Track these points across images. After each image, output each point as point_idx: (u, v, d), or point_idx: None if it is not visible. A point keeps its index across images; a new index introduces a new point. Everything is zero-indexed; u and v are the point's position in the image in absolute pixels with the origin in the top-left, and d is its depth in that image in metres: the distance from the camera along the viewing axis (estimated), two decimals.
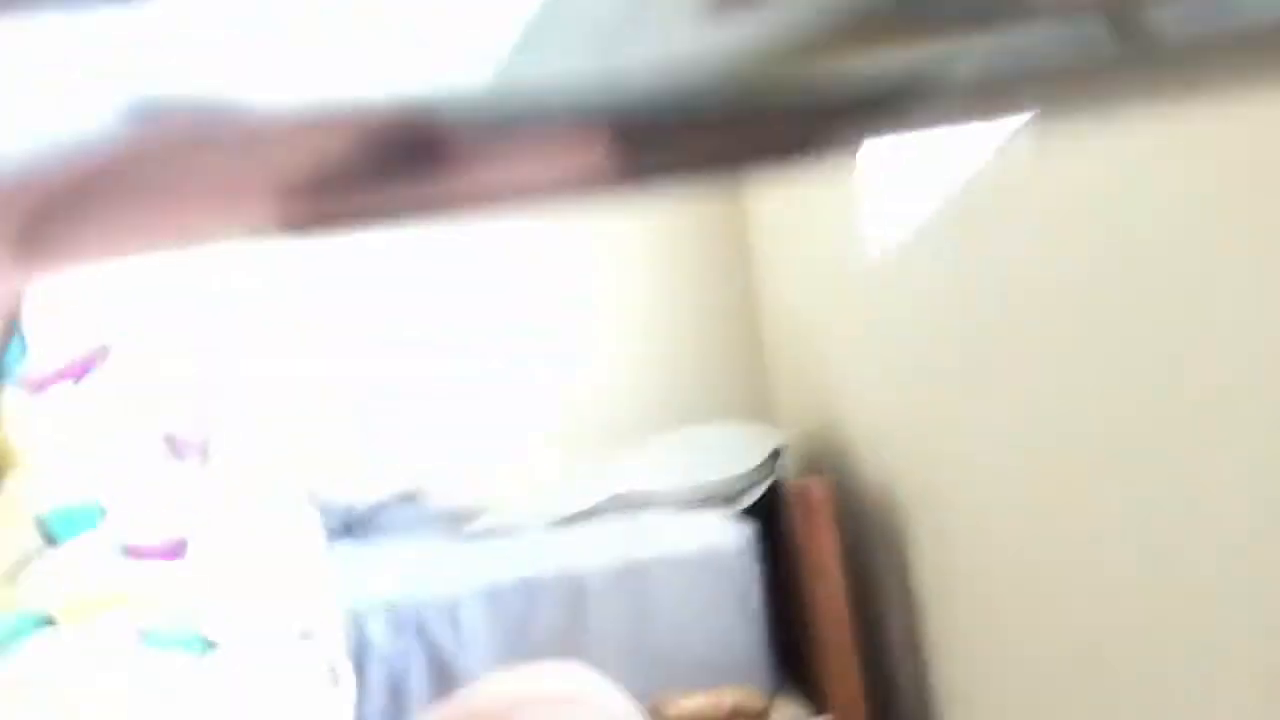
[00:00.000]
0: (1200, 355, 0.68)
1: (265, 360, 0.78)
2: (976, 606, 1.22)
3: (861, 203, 1.46)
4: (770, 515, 1.79)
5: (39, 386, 0.65)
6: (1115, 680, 0.87)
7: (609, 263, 2.73)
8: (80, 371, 0.67)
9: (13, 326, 0.66)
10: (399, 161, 0.14)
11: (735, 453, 1.84)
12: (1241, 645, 0.68)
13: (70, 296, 0.67)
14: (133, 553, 0.66)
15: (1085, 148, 0.79)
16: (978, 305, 1.07)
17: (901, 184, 1.38)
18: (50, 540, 0.63)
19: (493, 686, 0.77)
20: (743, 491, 1.79)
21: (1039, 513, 0.99)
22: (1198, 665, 0.74)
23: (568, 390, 2.71)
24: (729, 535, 1.66)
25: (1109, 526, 0.85)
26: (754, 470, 1.79)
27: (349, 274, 2.71)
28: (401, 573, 1.70)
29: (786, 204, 2.09)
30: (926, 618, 1.44)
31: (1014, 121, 0.13)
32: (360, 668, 1.61)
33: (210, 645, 0.76)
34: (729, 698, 1.54)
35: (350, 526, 2.44)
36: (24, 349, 0.67)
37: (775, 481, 1.80)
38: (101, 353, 0.67)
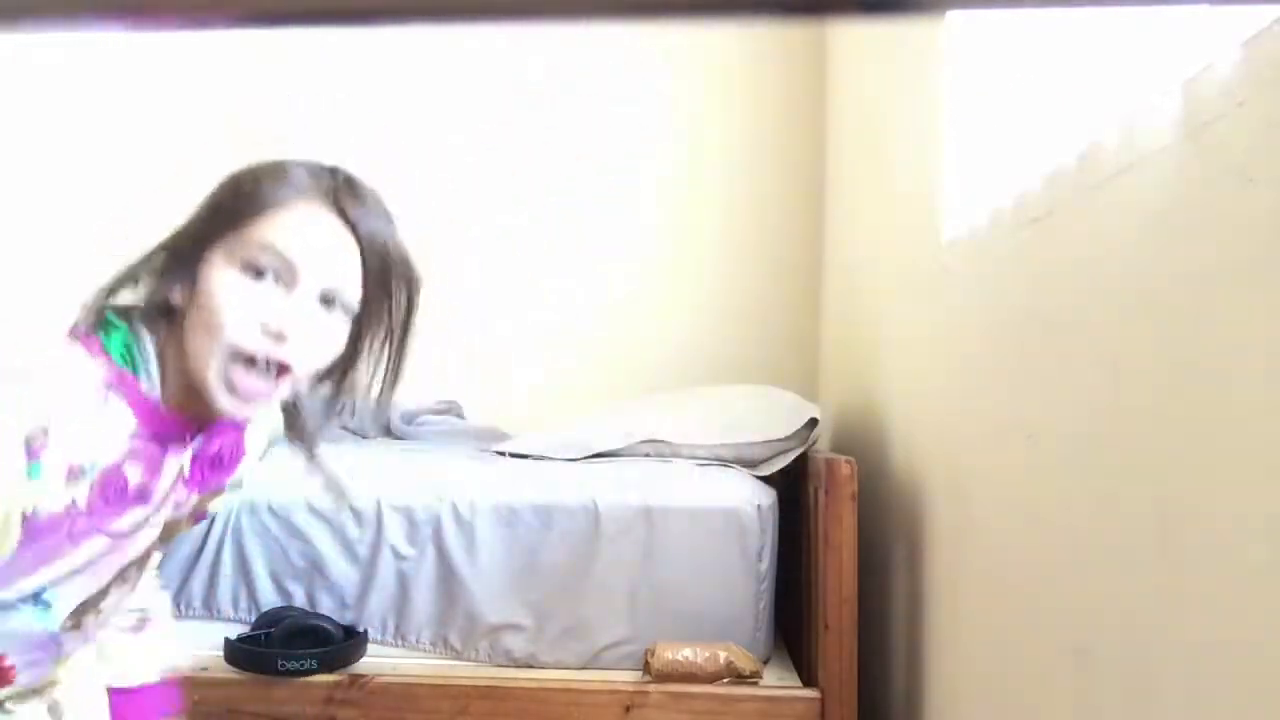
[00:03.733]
0: (1246, 377, 0.67)
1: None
2: (980, 605, 1.22)
3: (939, 187, 1.44)
4: (793, 485, 1.79)
5: None
6: (1111, 683, 0.87)
7: (688, 225, 2.73)
8: None
9: None
10: None
11: (771, 418, 1.85)
12: (1245, 647, 0.68)
13: None
14: None
15: (1169, 160, 0.77)
16: (1038, 307, 1.06)
17: (981, 172, 1.36)
18: None
19: None
20: (771, 457, 1.79)
21: (1058, 521, 0.98)
22: (1198, 667, 0.74)
23: (625, 332, 2.73)
24: (749, 496, 1.67)
25: (1129, 540, 0.84)
26: (785, 439, 1.80)
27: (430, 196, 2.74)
28: (428, 479, 1.75)
29: (864, 181, 2.07)
30: (929, 610, 1.44)
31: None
32: (374, 560, 1.67)
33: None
34: (723, 653, 1.56)
35: (390, 429, 2.50)
36: None
37: (804, 453, 1.80)
38: None
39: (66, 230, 2.58)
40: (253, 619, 1.65)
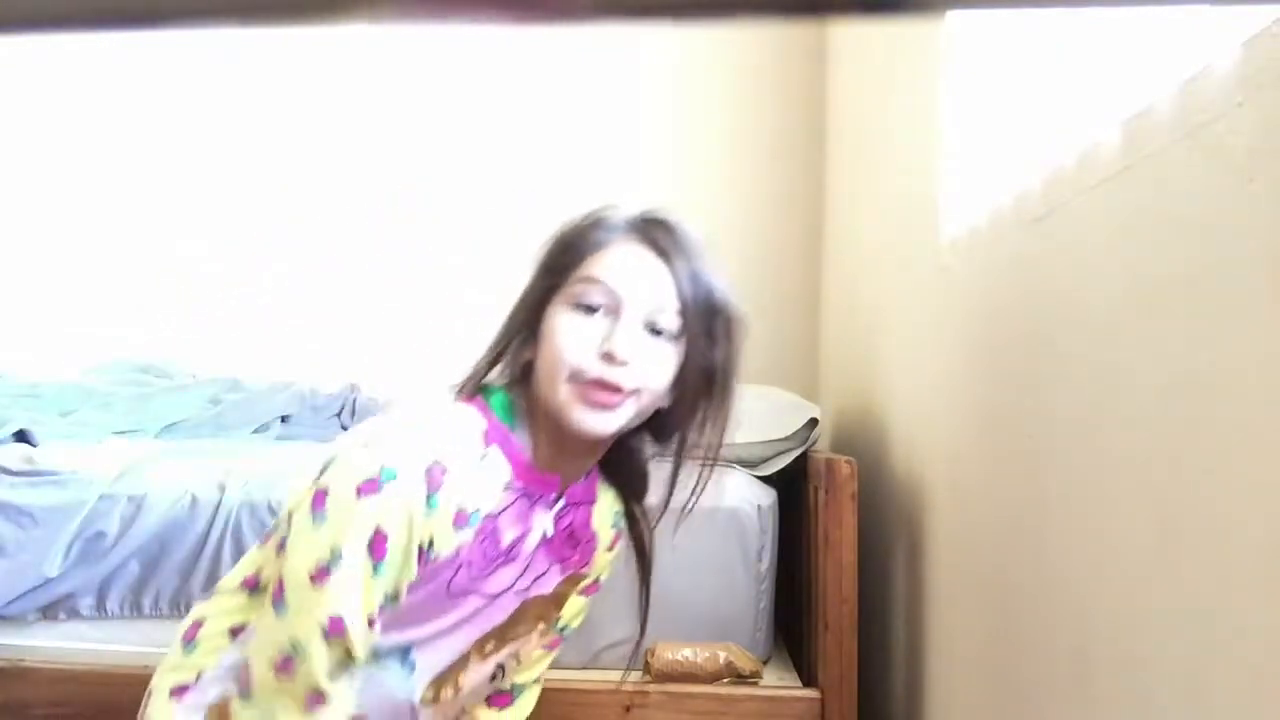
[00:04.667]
0: (1246, 377, 0.67)
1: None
2: (980, 605, 1.22)
3: (939, 187, 1.44)
4: (793, 485, 1.79)
5: None
6: (1111, 683, 0.87)
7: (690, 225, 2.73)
8: None
9: None
10: None
11: (771, 418, 1.84)
12: (1245, 648, 0.68)
13: None
14: None
15: (1168, 160, 0.77)
16: (1038, 307, 1.06)
17: (981, 172, 1.36)
18: None
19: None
20: (771, 457, 1.79)
21: (1058, 521, 0.98)
22: (1198, 668, 0.74)
23: None
24: (749, 496, 1.66)
25: (1129, 540, 0.84)
26: (785, 439, 1.80)
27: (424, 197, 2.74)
28: None
29: (864, 181, 2.07)
30: (929, 610, 1.44)
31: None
32: None
33: None
34: (722, 654, 1.56)
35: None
36: None
37: (804, 453, 1.80)
38: None
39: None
40: None
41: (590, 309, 0.89)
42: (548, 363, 0.89)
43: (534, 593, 0.96)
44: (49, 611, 1.65)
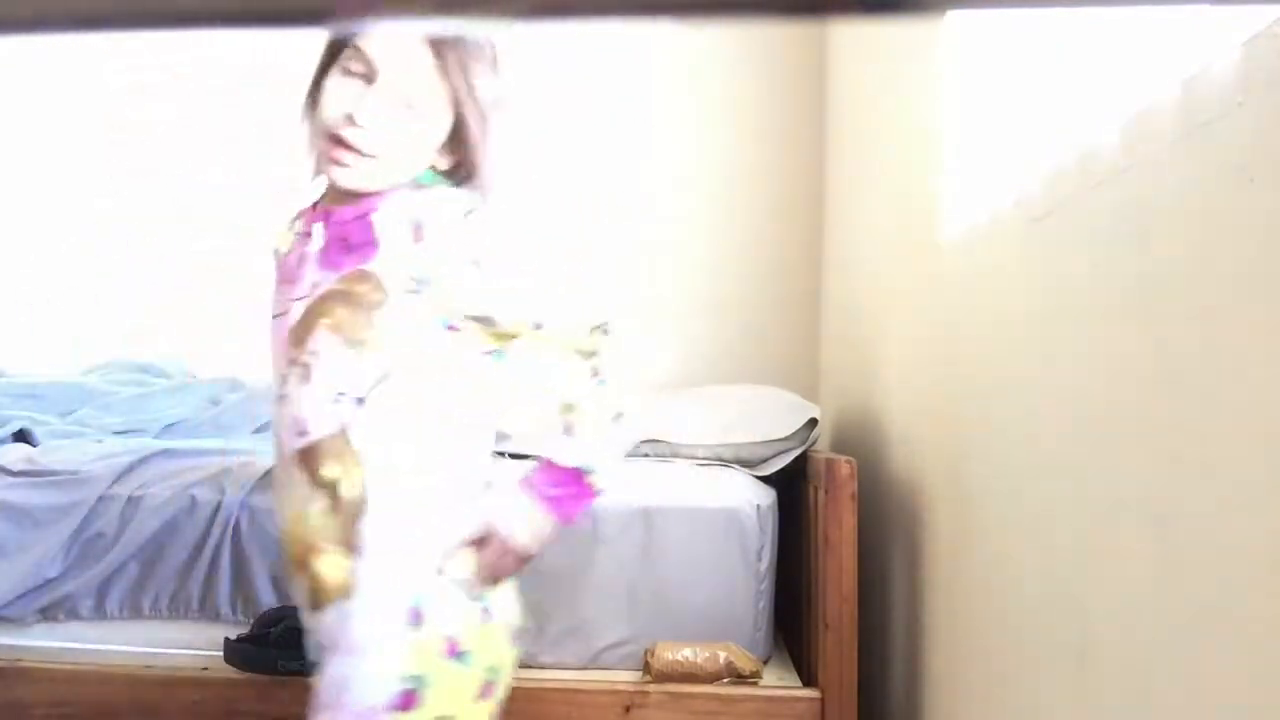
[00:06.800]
0: (1246, 376, 0.67)
1: None
2: (980, 605, 1.22)
3: (939, 187, 1.44)
4: (793, 485, 1.79)
5: None
6: (1111, 683, 0.87)
7: (688, 225, 2.73)
8: None
9: None
10: None
11: (770, 418, 1.84)
12: (1245, 647, 0.68)
13: None
14: None
15: (1165, 163, 0.77)
16: (1037, 307, 1.06)
17: (981, 172, 1.36)
18: None
19: None
20: (771, 457, 1.79)
21: (1058, 521, 0.98)
22: (1198, 667, 0.74)
23: (624, 332, 2.72)
24: (749, 496, 1.66)
25: (1129, 540, 0.84)
26: (785, 439, 1.80)
27: None
28: None
29: (864, 181, 2.07)
30: (929, 610, 1.44)
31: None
32: None
33: None
34: (723, 653, 1.56)
35: None
36: None
37: (804, 453, 1.80)
38: None
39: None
40: (251, 620, 1.65)
41: (352, 74, 1.02)
42: (315, 118, 1.06)
43: (314, 296, 1.05)
44: (48, 612, 1.65)
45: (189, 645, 1.63)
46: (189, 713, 1.59)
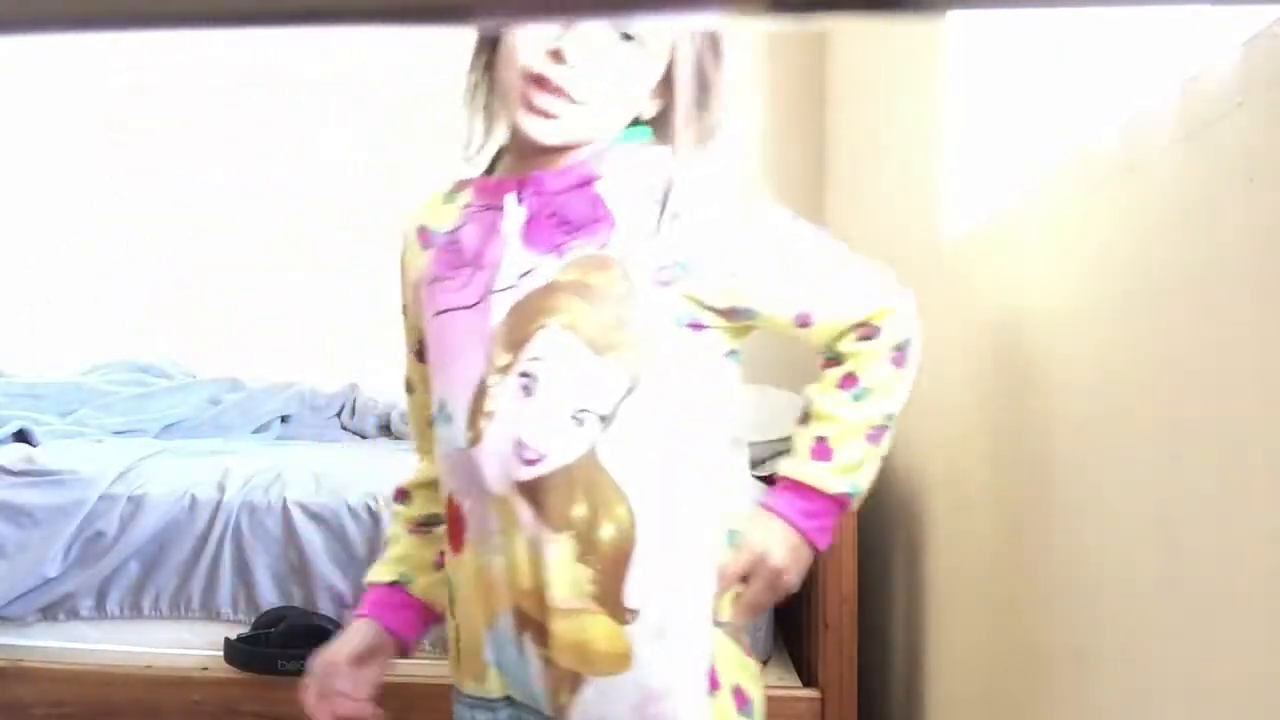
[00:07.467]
0: (1246, 377, 0.67)
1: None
2: (980, 606, 1.22)
3: (939, 186, 1.44)
4: None
5: None
6: (1111, 683, 0.87)
7: None
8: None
9: None
10: None
11: (770, 418, 1.84)
12: (1245, 648, 0.68)
13: None
14: None
15: (1171, 160, 0.77)
16: (1037, 307, 1.06)
17: (981, 172, 1.36)
18: None
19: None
20: (771, 457, 1.79)
21: (1057, 521, 0.98)
22: (1198, 667, 0.74)
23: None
24: (749, 496, 1.66)
25: (1129, 540, 0.84)
26: (786, 439, 1.79)
27: None
28: None
29: (864, 180, 2.07)
30: (929, 610, 1.44)
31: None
32: (373, 559, 1.66)
33: None
34: None
35: (390, 428, 2.50)
36: None
37: None
38: None
39: None
40: (252, 619, 1.65)
41: None
42: (502, 59, 0.86)
43: (525, 289, 0.84)
44: (49, 612, 1.65)
45: (189, 645, 1.63)
46: (189, 713, 1.58)
